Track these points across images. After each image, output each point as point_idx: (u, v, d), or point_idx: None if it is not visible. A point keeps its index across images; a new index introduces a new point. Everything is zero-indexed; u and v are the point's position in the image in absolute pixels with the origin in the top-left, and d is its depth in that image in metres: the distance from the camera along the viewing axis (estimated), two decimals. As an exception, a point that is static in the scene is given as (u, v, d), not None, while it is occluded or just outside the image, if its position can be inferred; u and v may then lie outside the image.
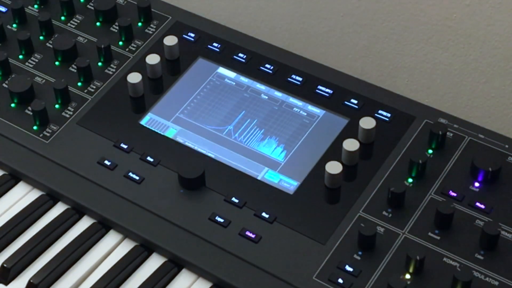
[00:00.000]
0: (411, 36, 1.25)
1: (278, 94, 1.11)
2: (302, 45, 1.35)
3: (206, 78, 1.14)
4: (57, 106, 1.12)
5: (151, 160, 1.05)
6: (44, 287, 0.96)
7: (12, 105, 1.12)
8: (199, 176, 1.01)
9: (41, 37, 1.20)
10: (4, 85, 1.15)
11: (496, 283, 0.90)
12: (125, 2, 1.24)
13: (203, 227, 0.99)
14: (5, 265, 0.97)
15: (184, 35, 1.19)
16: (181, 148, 1.06)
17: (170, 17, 1.23)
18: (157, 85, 1.14)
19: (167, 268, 0.97)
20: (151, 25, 1.22)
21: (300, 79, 1.12)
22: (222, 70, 1.15)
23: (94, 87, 1.14)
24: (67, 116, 1.11)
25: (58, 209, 1.04)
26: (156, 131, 1.09)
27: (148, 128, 1.09)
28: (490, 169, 0.98)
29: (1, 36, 1.20)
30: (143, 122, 1.10)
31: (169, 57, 1.16)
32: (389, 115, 1.07)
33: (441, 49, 1.23)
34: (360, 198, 0.99)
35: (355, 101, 1.09)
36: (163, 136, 1.08)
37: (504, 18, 1.15)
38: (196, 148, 1.06)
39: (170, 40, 1.15)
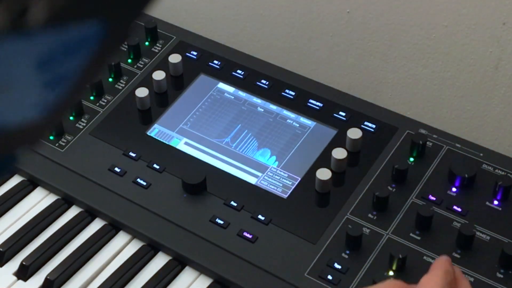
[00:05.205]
0: (394, 54, 1.25)
1: (273, 107, 1.11)
2: (295, 63, 1.35)
3: (207, 93, 1.14)
4: (71, 118, 1.12)
5: (157, 167, 1.05)
6: (60, 283, 0.96)
7: (30, 117, 1.12)
8: (201, 182, 1.01)
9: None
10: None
11: (472, 279, 0.90)
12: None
13: (204, 228, 0.98)
14: (24, 263, 0.97)
15: (187, 53, 1.19)
16: (185, 156, 1.06)
17: (175, 37, 1.23)
18: (163, 99, 1.14)
19: (171, 265, 0.97)
20: (157, 44, 1.22)
21: (293, 93, 1.12)
22: (222, 85, 1.15)
23: (105, 100, 1.14)
24: (81, 127, 1.11)
25: (72, 212, 1.04)
26: (162, 140, 1.09)
27: (155, 138, 1.09)
28: (466, 175, 0.98)
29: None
30: (149, 132, 1.10)
31: (174, 73, 1.16)
32: (374, 126, 1.07)
33: (422, 66, 1.23)
34: (347, 201, 0.99)
35: (343, 114, 1.09)
36: (168, 145, 1.08)
37: (479, 38, 1.15)
38: (198, 156, 1.06)
39: (175, 58, 1.16)
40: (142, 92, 1.11)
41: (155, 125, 1.11)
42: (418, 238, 0.94)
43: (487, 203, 0.97)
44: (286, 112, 1.10)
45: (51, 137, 1.10)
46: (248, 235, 0.97)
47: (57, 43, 0.32)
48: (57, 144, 1.09)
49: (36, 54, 0.32)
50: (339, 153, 1.01)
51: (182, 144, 1.08)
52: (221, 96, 1.14)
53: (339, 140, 1.05)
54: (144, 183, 1.03)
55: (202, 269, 0.97)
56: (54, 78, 0.34)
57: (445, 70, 1.21)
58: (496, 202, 0.97)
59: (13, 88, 0.33)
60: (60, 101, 0.35)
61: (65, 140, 1.10)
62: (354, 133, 1.03)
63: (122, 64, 1.18)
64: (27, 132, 0.35)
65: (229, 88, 1.15)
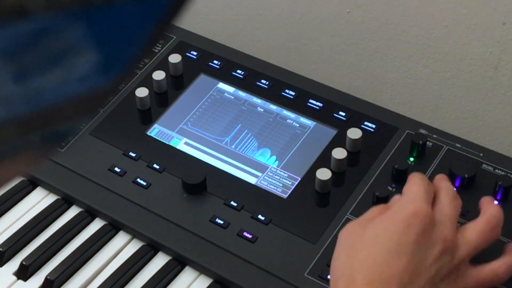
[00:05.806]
0: (394, 54, 1.25)
1: (273, 107, 1.11)
2: (295, 63, 1.35)
3: (207, 93, 1.14)
4: (71, 118, 1.12)
5: (157, 167, 1.05)
6: (60, 283, 0.96)
7: (30, 117, 1.12)
8: (201, 182, 1.01)
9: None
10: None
11: (472, 279, 0.90)
12: (134, 23, 1.24)
13: (204, 228, 0.98)
14: (24, 263, 0.97)
15: (187, 53, 1.19)
16: (185, 156, 1.06)
17: (175, 37, 1.23)
18: (163, 99, 1.14)
19: (171, 265, 0.97)
20: (157, 44, 1.21)
21: (293, 93, 1.12)
22: (222, 85, 1.15)
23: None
24: (81, 127, 1.11)
25: (72, 212, 1.04)
26: (162, 140, 1.09)
27: (155, 138, 1.09)
28: (466, 175, 0.97)
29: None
30: (149, 132, 1.10)
31: (174, 73, 1.16)
32: (374, 126, 1.07)
33: (422, 66, 1.23)
34: (347, 201, 0.99)
35: (343, 114, 1.09)
36: (168, 145, 1.08)
37: (479, 38, 1.15)
38: (198, 156, 1.06)
39: (175, 58, 1.16)
40: (142, 92, 1.11)
41: (155, 125, 1.11)
42: (418, 238, 0.94)
43: (487, 203, 0.97)
44: (286, 112, 1.10)
45: (51, 137, 1.09)
46: (248, 235, 0.97)
47: (132, 7, 0.35)
48: (57, 144, 1.09)
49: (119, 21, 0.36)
50: (339, 153, 1.01)
51: (182, 144, 1.08)
52: (221, 96, 1.14)
53: (339, 140, 1.05)
54: (144, 183, 1.03)
55: (202, 269, 0.96)
56: (124, 41, 0.36)
57: (445, 70, 1.21)
58: (496, 202, 0.97)
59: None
60: (125, 67, 0.37)
61: (65, 140, 1.10)
62: (354, 133, 1.03)
63: (122, 64, 1.18)
64: (92, 99, 0.38)
65: (229, 88, 1.15)
